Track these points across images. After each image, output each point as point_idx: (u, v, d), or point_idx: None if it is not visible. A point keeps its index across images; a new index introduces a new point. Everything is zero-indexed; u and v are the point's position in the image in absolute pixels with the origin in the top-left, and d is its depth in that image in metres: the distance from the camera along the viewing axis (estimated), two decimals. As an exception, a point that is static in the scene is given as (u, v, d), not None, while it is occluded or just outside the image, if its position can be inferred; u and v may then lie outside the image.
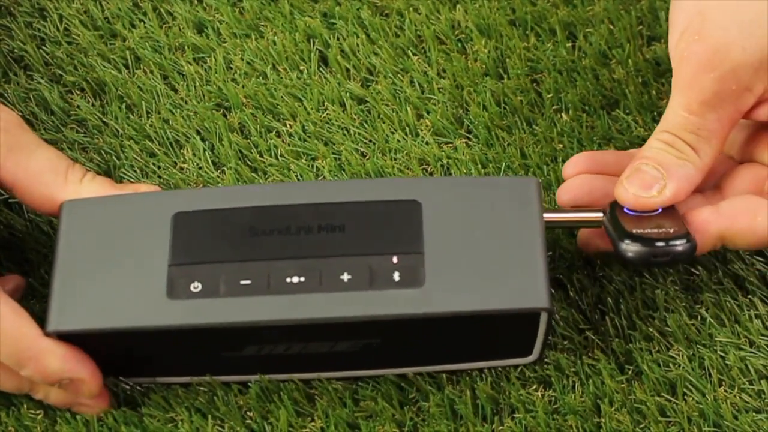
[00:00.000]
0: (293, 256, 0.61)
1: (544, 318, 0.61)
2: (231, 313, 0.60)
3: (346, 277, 0.61)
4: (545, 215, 0.63)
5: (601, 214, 0.64)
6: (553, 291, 0.67)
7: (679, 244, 0.62)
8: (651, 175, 0.63)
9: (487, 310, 0.61)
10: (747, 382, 0.65)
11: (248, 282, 0.61)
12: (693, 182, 0.63)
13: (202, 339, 0.61)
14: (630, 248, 0.62)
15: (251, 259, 0.61)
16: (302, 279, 0.61)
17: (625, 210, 0.64)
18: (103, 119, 0.75)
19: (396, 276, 0.61)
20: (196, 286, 0.61)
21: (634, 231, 0.62)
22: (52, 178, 0.64)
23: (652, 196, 0.63)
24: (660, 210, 0.64)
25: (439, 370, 0.65)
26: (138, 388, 0.65)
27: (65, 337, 0.61)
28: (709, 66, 0.62)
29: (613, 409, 0.64)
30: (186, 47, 0.78)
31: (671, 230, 0.62)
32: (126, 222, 0.63)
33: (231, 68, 0.77)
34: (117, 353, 0.62)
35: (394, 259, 0.61)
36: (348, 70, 0.77)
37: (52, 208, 0.64)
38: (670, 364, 0.65)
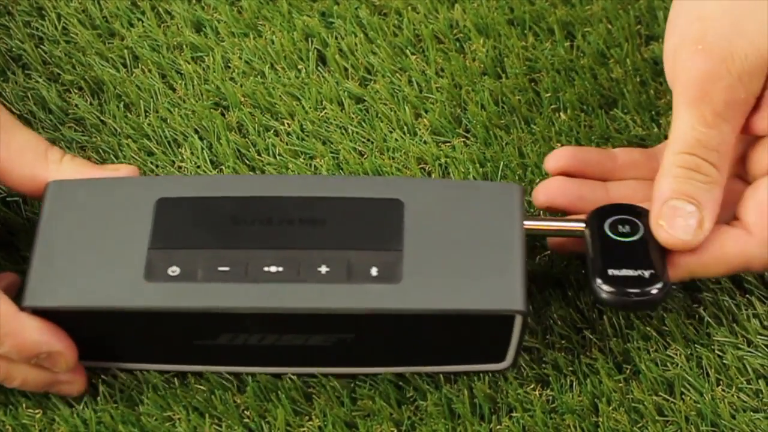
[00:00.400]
0: (273, 246, 0.62)
1: (518, 321, 0.61)
2: (207, 298, 0.61)
3: (324, 269, 0.61)
4: (526, 223, 0.64)
5: (583, 225, 0.64)
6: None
7: (654, 290, 0.61)
8: (687, 212, 0.62)
9: (461, 310, 0.61)
10: (745, 382, 0.65)
11: (226, 269, 0.61)
12: (720, 204, 0.63)
13: (177, 324, 0.62)
14: (603, 289, 0.62)
15: (231, 247, 0.62)
16: (280, 269, 0.61)
17: (607, 232, 0.63)
18: (101, 118, 0.75)
19: (374, 271, 0.61)
20: (174, 270, 0.61)
21: (609, 272, 0.62)
22: (33, 158, 0.65)
23: (695, 237, 0.62)
24: (641, 234, 0.63)
25: (412, 371, 0.65)
26: (134, 390, 0.65)
27: (41, 314, 0.61)
28: (717, 76, 0.61)
29: (610, 408, 0.64)
30: (184, 46, 0.78)
31: (647, 273, 0.62)
32: (110, 204, 0.64)
33: (229, 67, 0.77)
34: (91, 334, 0.63)
35: (373, 255, 0.61)
36: (346, 69, 0.77)
37: (32, 188, 0.65)
38: (668, 364, 0.65)
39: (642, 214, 0.64)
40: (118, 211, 0.63)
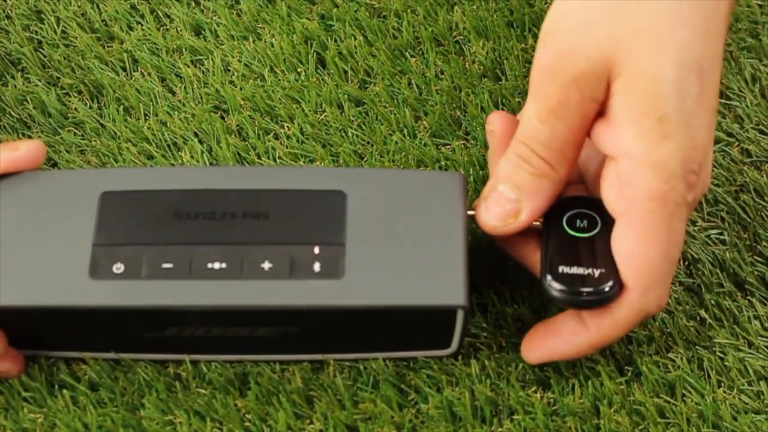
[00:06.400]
0: (216, 241, 0.62)
1: (461, 315, 0.62)
2: (151, 296, 0.61)
3: (267, 265, 0.61)
4: (471, 212, 0.64)
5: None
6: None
7: (605, 288, 0.61)
8: (507, 198, 0.62)
9: (403, 306, 0.61)
10: (746, 383, 0.65)
11: (170, 266, 0.61)
12: (550, 198, 0.62)
13: (123, 319, 0.62)
14: (553, 287, 0.61)
15: (174, 242, 0.62)
16: (224, 265, 0.61)
17: (564, 226, 0.63)
18: (101, 122, 0.75)
19: (316, 267, 0.61)
20: (118, 267, 0.61)
21: (560, 269, 0.62)
22: None
23: (508, 224, 0.62)
24: (598, 229, 0.63)
25: (359, 357, 0.66)
26: (136, 393, 0.65)
27: None
28: (554, 72, 0.59)
29: (612, 410, 0.64)
30: (184, 49, 0.78)
31: (597, 272, 0.61)
32: (53, 199, 0.64)
33: (229, 70, 0.77)
34: (35, 327, 0.63)
35: (316, 250, 0.62)
36: (346, 71, 0.77)
37: None
38: (669, 366, 0.65)
39: (600, 208, 0.64)
40: (62, 206, 0.63)
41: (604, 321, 0.61)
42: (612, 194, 0.60)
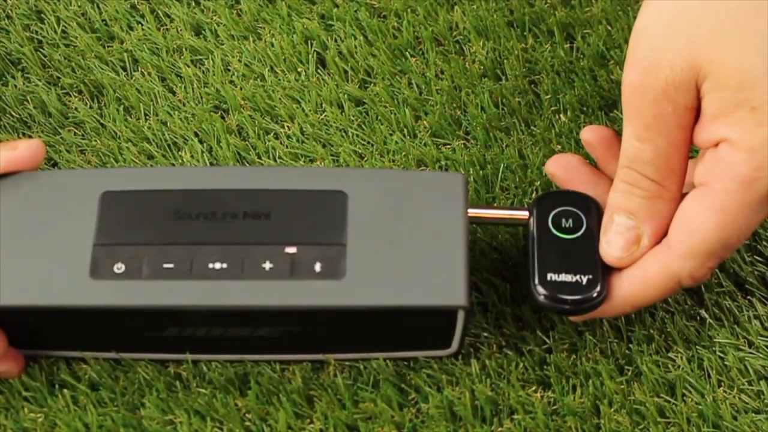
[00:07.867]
0: (217, 241, 0.62)
1: (461, 315, 0.62)
2: (152, 296, 0.61)
3: (267, 265, 0.61)
4: (471, 211, 0.64)
5: (527, 214, 0.65)
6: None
7: (592, 295, 0.62)
8: (626, 227, 0.62)
9: (404, 306, 0.61)
10: (746, 383, 0.65)
11: (171, 266, 0.61)
12: (668, 216, 0.62)
13: (124, 319, 0.62)
14: (540, 292, 0.62)
15: (175, 242, 0.62)
16: (224, 265, 0.61)
17: (550, 227, 0.64)
18: (101, 121, 0.75)
19: (317, 267, 0.61)
20: (119, 267, 0.61)
21: (549, 276, 0.62)
22: None
23: (632, 252, 0.62)
24: (583, 230, 0.63)
25: (361, 357, 0.66)
26: (136, 393, 0.65)
27: None
28: (641, 90, 0.59)
29: (612, 410, 0.64)
30: (184, 49, 0.78)
31: (585, 279, 0.62)
32: (54, 198, 0.64)
33: (229, 70, 0.77)
34: (35, 327, 0.63)
35: (317, 250, 0.62)
36: (346, 71, 0.77)
37: None
38: (670, 365, 0.65)
39: (588, 205, 0.64)
40: (63, 206, 0.63)
41: (637, 276, 0.62)
42: (701, 167, 0.60)
